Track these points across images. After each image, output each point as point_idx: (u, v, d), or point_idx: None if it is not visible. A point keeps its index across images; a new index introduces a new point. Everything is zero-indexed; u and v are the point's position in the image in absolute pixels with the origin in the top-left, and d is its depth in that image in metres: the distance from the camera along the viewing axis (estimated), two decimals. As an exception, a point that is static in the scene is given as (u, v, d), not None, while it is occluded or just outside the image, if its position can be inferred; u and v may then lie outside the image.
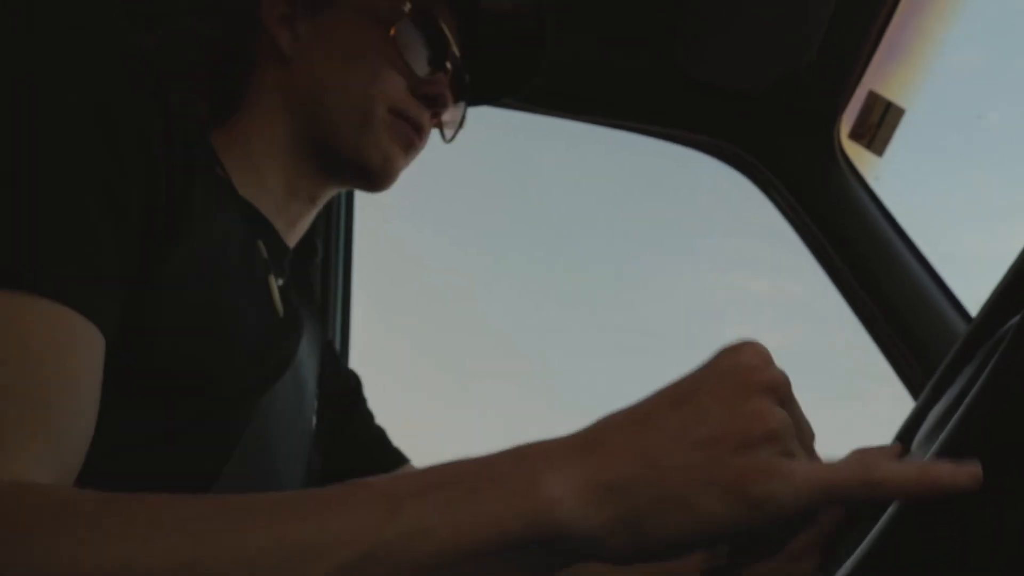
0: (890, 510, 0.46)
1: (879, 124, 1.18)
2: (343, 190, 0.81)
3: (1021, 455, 0.42)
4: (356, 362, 1.46)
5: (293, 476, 0.66)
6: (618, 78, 1.24)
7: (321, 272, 1.41)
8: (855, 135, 1.21)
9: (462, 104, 0.85)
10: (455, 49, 0.79)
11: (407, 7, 0.75)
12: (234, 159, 0.71)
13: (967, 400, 0.44)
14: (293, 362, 0.67)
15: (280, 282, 0.72)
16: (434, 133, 0.82)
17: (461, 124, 0.86)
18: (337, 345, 1.42)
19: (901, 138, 1.17)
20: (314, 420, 0.77)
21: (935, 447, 0.45)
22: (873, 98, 1.18)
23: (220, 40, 0.76)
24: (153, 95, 0.54)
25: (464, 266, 2.02)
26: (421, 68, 0.76)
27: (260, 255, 0.68)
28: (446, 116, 0.82)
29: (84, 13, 0.53)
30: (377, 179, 0.77)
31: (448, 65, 0.78)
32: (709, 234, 1.99)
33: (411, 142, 0.76)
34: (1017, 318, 0.52)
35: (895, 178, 1.22)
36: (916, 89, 1.18)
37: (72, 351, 0.45)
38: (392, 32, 0.74)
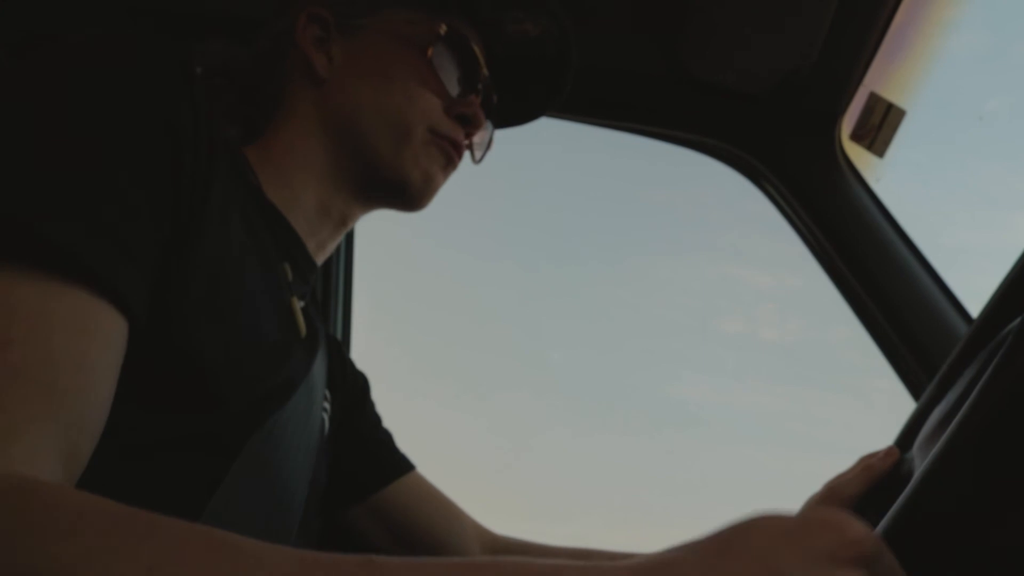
0: (891, 511, 0.46)
1: (880, 125, 1.18)
2: (376, 210, 0.82)
3: (1022, 457, 0.42)
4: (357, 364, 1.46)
5: (297, 488, 0.66)
6: (618, 80, 1.24)
7: (322, 273, 1.41)
8: (856, 136, 1.21)
9: (490, 126, 0.86)
10: (485, 71, 0.80)
11: (443, 29, 0.76)
12: (268, 177, 0.71)
13: (968, 402, 0.44)
14: (308, 379, 0.67)
15: (302, 303, 0.72)
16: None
17: (489, 146, 0.88)
18: (338, 346, 1.42)
19: (902, 137, 1.18)
20: (326, 425, 0.77)
21: (936, 449, 0.45)
22: (874, 99, 1.18)
23: (252, 64, 0.77)
24: (186, 99, 0.54)
25: (464, 265, 2.03)
26: (454, 89, 0.78)
27: (285, 278, 0.68)
28: (476, 137, 0.83)
29: (129, 24, 0.54)
30: (416, 198, 0.78)
31: (479, 86, 0.80)
32: (709, 227, 1.99)
33: (450, 159, 0.78)
34: (1018, 320, 0.52)
35: (897, 176, 1.22)
36: (917, 90, 1.18)
37: (91, 334, 0.45)
38: (429, 53, 0.75)
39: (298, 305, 0.69)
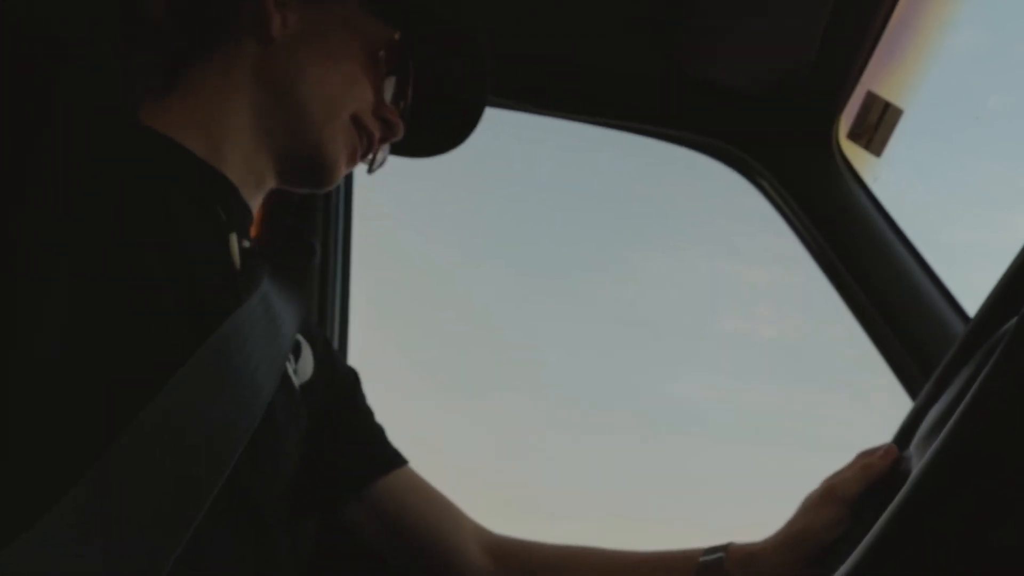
0: (887, 511, 0.46)
1: (877, 124, 1.18)
2: (280, 186, 0.83)
3: (1018, 457, 0.42)
4: (355, 364, 1.46)
5: (264, 385, 0.67)
6: (615, 78, 1.24)
7: (319, 275, 1.40)
8: (854, 135, 1.21)
9: (387, 146, 0.87)
10: (410, 92, 0.84)
11: (397, 36, 0.80)
12: (193, 128, 0.72)
13: (965, 402, 0.44)
14: (259, 289, 0.69)
15: (246, 243, 0.73)
16: None
17: (382, 163, 0.88)
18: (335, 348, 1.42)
19: (899, 136, 1.18)
20: (309, 372, 0.81)
21: (933, 448, 0.45)
22: (872, 98, 1.18)
23: (198, 6, 0.76)
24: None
25: (460, 264, 2.03)
26: (387, 94, 0.81)
27: (219, 218, 0.71)
28: (379, 152, 0.85)
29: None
30: (319, 176, 0.80)
31: (402, 104, 0.83)
32: (704, 223, 1.99)
33: (355, 152, 0.80)
34: (1015, 320, 0.52)
35: (894, 175, 1.22)
36: (915, 89, 1.18)
37: None
38: (380, 54, 0.79)
39: (236, 242, 0.71)
